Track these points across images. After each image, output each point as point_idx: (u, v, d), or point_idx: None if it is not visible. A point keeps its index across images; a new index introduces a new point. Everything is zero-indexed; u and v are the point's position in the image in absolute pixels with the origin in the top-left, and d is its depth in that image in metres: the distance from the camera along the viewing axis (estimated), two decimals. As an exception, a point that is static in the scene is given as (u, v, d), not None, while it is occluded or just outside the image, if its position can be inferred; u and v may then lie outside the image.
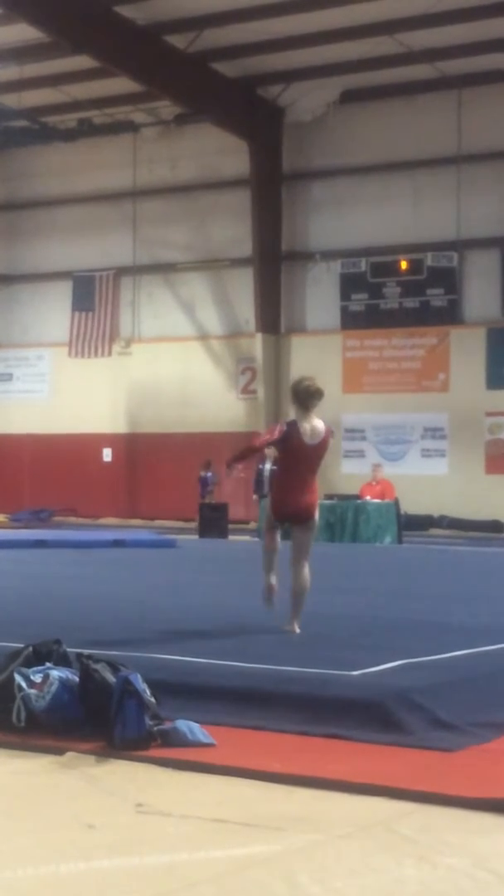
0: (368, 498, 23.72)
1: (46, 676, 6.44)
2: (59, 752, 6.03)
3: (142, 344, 31.92)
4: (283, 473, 9.31)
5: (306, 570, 9.19)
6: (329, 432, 9.20)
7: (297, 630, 9.00)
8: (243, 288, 30.24)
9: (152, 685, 6.39)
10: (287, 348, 30.16)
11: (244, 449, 9.85)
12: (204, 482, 28.28)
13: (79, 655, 6.62)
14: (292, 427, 9.05)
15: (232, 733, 6.37)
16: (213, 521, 25.45)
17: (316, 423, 9.10)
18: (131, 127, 30.85)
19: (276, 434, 9.11)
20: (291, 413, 9.51)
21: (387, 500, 23.93)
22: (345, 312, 29.46)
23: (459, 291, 28.36)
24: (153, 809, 5.12)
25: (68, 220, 32.73)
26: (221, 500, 27.09)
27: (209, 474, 28.23)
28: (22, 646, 6.86)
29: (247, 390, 30.59)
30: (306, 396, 9.09)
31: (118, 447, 32.17)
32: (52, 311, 33.02)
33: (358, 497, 23.87)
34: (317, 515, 9.38)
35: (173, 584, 14.26)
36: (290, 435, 9.03)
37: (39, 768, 5.85)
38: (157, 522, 30.04)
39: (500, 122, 27.63)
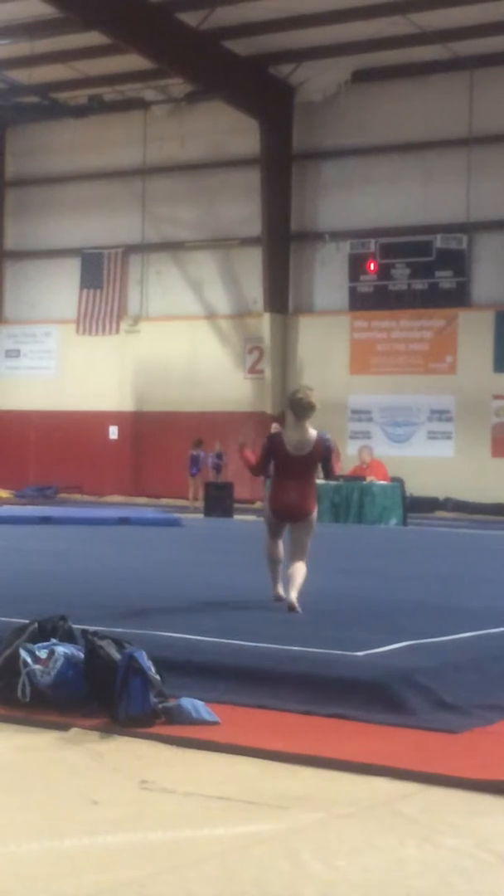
0: (374, 479, 23.70)
1: (51, 652, 6.45)
2: (64, 727, 6.05)
3: (149, 322, 31.90)
4: (273, 476, 9.80)
5: (302, 565, 9.45)
6: (322, 442, 9.47)
7: (293, 599, 9.19)
8: (252, 267, 30.20)
9: (157, 663, 6.41)
10: (295, 328, 30.14)
11: (248, 461, 10.11)
12: (195, 460, 28.40)
13: (84, 632, 6.63)
14: (274, 440, 9.61)
15: (236, 712, 6.38)
16: (219, 500, 25.47)
17: (307, 436, 9.47)
18: (142, 104, 30.80)
19: (262, 452, 9.72)
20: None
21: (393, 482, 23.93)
22: (353, 293, 29.42)
23: (468, 274, 28.30)
24: (157, 786, 5.14)
25: (78, 197, 32.67)
26: (227, 480, 27.13)
27: (201, 453, 28.37)
28: (27, 622, 6.88)
29: (254, 370, 30.57)
30: (299, 408, 9.48)
31: (124, 425, 32.18)
32: (60, 288, 32.99)
33: (362, 479, 23.85)
34: (313, 517, 9.70)
35: (178, 563, 14.28)
36: (270, 448, 9.59)
37: (44, 744, 5.87)
38: (163, 501, 30.06)
39: (512, 103, 27.55)
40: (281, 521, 9.74)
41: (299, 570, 9.41)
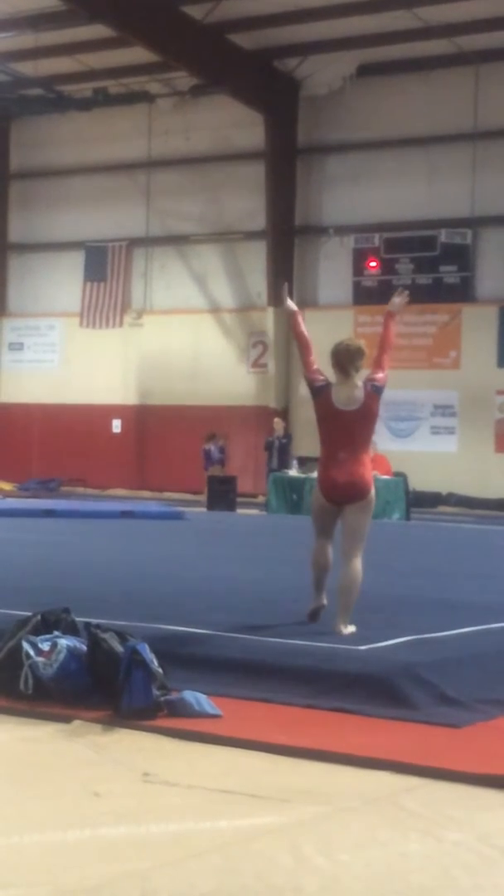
0: (377, 473, 23.68)
1: (54, 645, 6.46)
2: (67, 720, 6.05)
3: (153, 315, 31.88)
4: (321, 447, 8.30)
5: (356, 563, 8.08)
6: (367, 385, 8.19)
7: (345, 632, 7.87)
8: (256, 261, 30.17)
9: (160, 655, 6.41)
10: (298, 323, 30.07)
11: (301, 332, 8.70)
12: (208, 455, 28.31)
13: (87, 624, 6.64)
14: (328, 386, 8.18)
15: (239, 705, 6.39)
16: (222, 493, 25.45)
17: (356, 392, 8.15)
18: (147, 97, 30.73)
19: (318, 377, 8.24)
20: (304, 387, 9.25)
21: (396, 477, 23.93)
22: (357, 288, 29.40)
23: (473, 269, 28.27)
24: (159, 779, 5.14)
25: (82, 190, 32.65)
26: (230, 473, 27.12)
27: (212, 447, 28.28)
28: (30, 614, 6.88)
29: (257, 364, 30.55)
30: (345, 357, 8.17)
31: (128, 418, 32.17)
32: (64, 281, 32.97)
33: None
34: (372, 496, 8.20)
35: (181, 556, 14.28)
36: (321, 391, 8.18)
37: (46, 736, 5.88)
38: (166, 494, 30.06)
39: (518, 98, 27.50)
40: (335, 503, 8.12)
41: (353, 580, 7.98)
